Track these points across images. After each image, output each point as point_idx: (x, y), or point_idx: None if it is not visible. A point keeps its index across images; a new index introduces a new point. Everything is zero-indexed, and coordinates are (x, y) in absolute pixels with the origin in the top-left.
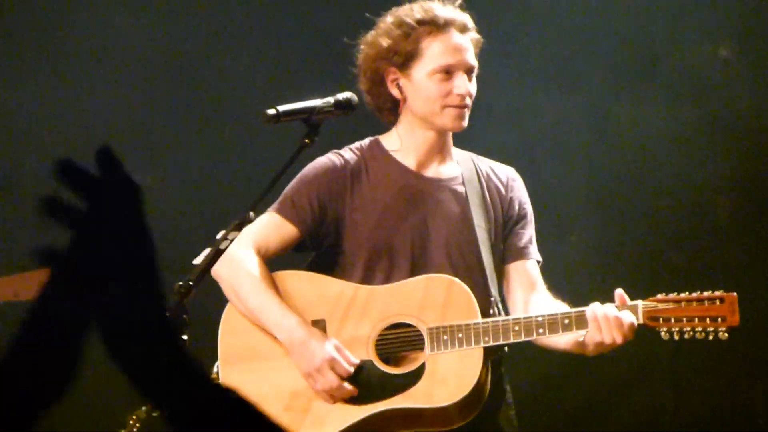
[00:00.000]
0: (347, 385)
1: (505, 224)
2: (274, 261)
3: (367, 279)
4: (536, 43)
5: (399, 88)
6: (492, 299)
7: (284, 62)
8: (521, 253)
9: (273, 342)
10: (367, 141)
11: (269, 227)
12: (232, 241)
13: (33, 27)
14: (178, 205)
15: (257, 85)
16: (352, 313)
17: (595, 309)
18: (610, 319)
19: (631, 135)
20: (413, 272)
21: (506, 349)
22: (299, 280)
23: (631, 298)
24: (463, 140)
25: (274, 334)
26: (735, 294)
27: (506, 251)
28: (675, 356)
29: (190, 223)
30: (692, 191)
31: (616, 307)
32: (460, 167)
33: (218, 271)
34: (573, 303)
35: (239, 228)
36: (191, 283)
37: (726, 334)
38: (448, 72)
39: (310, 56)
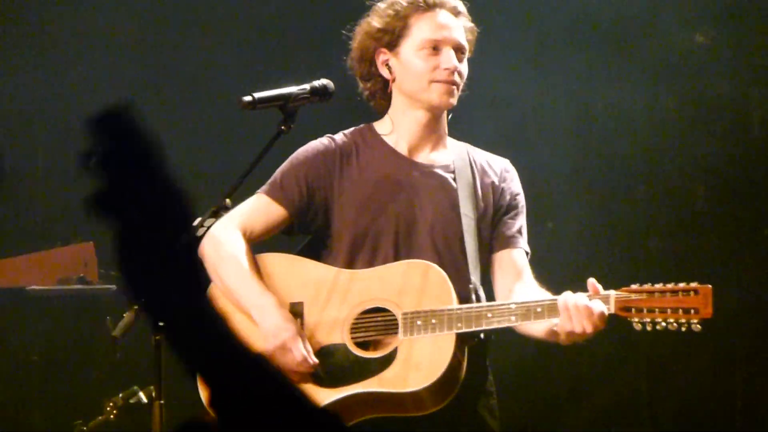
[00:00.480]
0: (303, 369)
1: (495, 214)
2: (267, 244)
3: (351, 263)
4: (516, 28)
5: (388, 67)
6: (471, 286)
7: (263, 50)
8: (509, 242)
9: (251, 325)
10: (361, 126)
11: (256, 208)
12: (208, 228)
13: (13, 18)
14: None
15: (234, 73)
16: (331, 297)
17: (566, 298)
18: (581, 308)
19: (608, 122)
20: (397, 257)
21: (483, 336)
22: (281, 263)
23: (609, 285)
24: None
25: (249, 313)
26: (710, 286)
27: (494, 240)
28: (653, 344)
29: None
30: (669, 178)
31: (588, 296)
32: (453, 155)
33: (203, 249)
34: (552, 289)
35: (216, 215)
36: None
37: (699, 326)
38: (435, 48)
39: (290, 43)
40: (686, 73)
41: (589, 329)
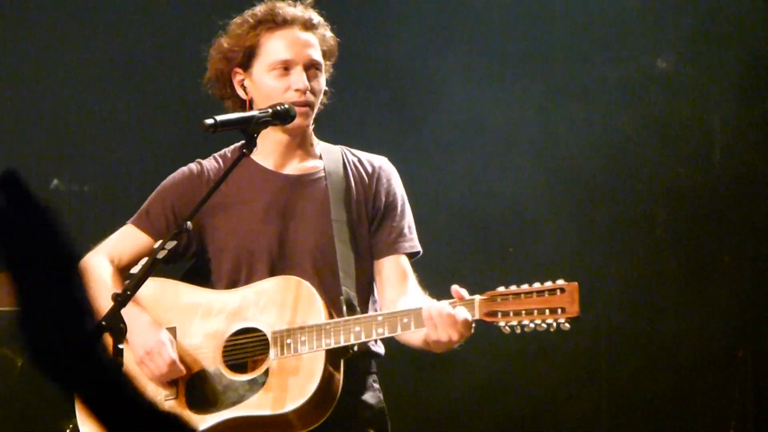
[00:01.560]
0: (166, 374)
1: (373, 218)
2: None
3: (231, 284)
4: (483, 49)
5: (244, 88)
6: (342, 297)
7: None
8: (389, 249)
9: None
10: (231, 147)
11: (124, 238)
12: (168, 251)
13: None
14: (113, 213)
15: (197, 92)
16: (203, 320)
17: (429, 307)
18: (444, 316)
19: (570, 145)
20: (273, 273)
21: (356, 348)
22: (153, 288)
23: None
24: (417, 141)
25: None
26: (575, 283)
27: (374, 247)
28: (614, 363)
29: None
30: (630, 203)
31: (452, 303)
32: (324, 161)
33: None
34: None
35: (176, 237)
36: (128, 292)
37: (567, 325)
38: (286, 68)
39: None
40: (648, 97)
41: (454, 337)
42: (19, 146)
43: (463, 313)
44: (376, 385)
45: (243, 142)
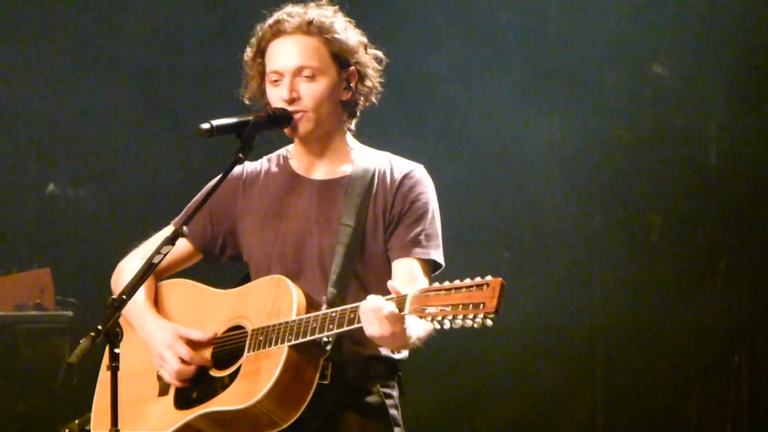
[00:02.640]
0: (190, 367)
1: (389, 224)
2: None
3: None
4: (482, 52)
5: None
6: (324, 297)
7: (226, 71)
8: (400, 252)
9: (134, 352)
10: (278, 152)
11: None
12: (165, 255)
13: None
14: (108, 217)
15: (195, 96)
16: (202, 318)
17: (365, 302)
18: (375, 310)
19: (568, 150)
20: (287, 276)
21: (327, 348)
22: (172, 289)
23: (565, 316)
24: (417, 141)
25: (137, 332)
26: (500, 279)
27: (389, 251)
28: (610, 366)
29: (124, 235)
30: (626, 209)
31: (387, 298)
32: (354, 166)
33: (113, 280)
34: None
35: (172, 242)
36: (124, 296)
37: (490, 321)
38: (278, 78)
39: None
40: (643, 103)
41: (385, 331)
42: (15, 150)
43: (389, 307)
44: (385, 390)
45: (290, 146)
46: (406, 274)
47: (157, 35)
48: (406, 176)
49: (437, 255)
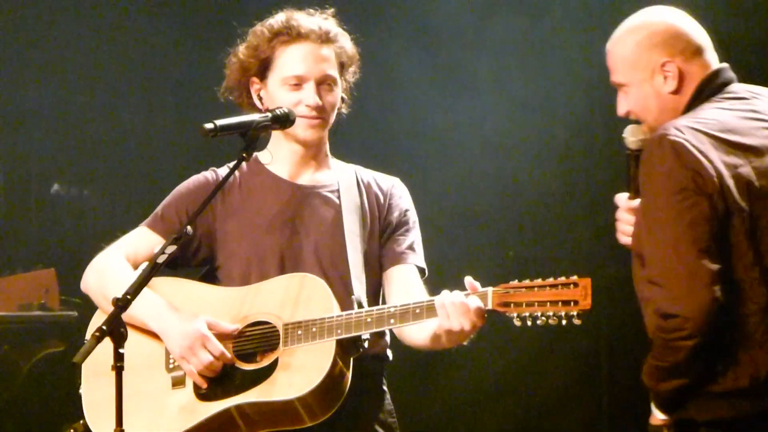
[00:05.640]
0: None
1: (383, 232)
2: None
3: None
4: (480, 53)
5: (260, 98)
6: (354, 297)
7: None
8: (398, 258)
9: (133, 347)
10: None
11: (138, 240)
12: (168, 255)
13: None
14: (113, 216)
15: (198, 96)
16: (215, 313)
17: (443, 296)
18: (457, 305)
19: (570, 147)
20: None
21: (366, 346)
22: (169, 285)
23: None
24: (417, 141)
25: (145, 325)
26: (589, 279)
27: (384, 257)
28: (614, 365)
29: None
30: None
31: (466, 294)
32: (338, 176)
33: (86, 282)
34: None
35: (176, 242)
36: (129, 296)
37: (579, 319)
38: (298, 83)
39: None
40: None
41: (467, 326)
42: (20, 150)
43: (475, 302)
44: (385, 388)
45: (260, 152)
46: (407, 281)
47: (160, 35)
48: (394, 186)
49: (424, 264)
